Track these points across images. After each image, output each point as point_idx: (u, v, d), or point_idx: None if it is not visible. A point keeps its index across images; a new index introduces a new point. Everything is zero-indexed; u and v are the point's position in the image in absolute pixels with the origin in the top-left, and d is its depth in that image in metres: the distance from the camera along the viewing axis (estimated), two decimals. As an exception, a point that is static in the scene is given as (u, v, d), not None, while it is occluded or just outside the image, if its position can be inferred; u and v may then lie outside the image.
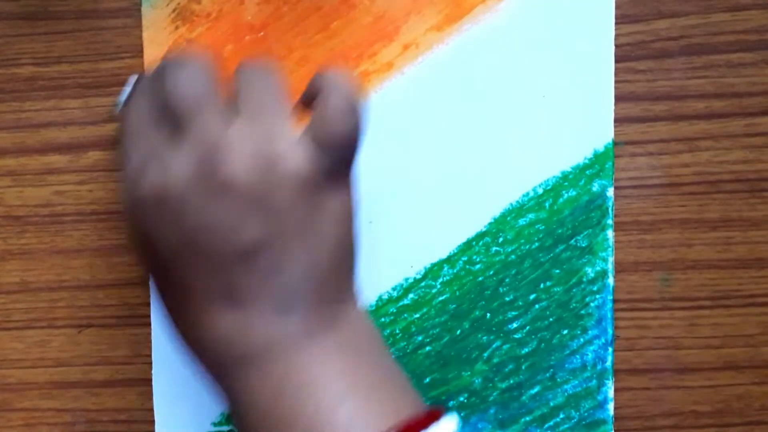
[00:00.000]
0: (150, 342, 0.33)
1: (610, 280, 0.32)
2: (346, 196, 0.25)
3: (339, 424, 0.23)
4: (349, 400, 0.24)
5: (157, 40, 0.33)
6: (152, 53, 0.33)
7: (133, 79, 0.27)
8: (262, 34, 0.32)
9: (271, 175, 0.23)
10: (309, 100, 0.25)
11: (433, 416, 0.24)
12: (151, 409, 0.33)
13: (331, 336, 0.25)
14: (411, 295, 0.32)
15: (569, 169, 0.32)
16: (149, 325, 0.33)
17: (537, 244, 0.32)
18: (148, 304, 0.33)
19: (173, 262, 0.24)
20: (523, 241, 0.32)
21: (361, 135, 0.25)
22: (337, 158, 0.24)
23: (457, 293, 0.32)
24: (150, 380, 0.33)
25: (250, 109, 0.24)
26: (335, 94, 0.24)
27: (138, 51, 0.33)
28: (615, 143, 0.32)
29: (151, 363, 0.33)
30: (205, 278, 0.24)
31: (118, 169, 0.25)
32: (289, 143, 0.24)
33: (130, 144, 0.25)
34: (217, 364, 0.25)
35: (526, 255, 0.32)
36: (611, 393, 0.31)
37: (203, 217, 0.23)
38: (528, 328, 0.32)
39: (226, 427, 0.33)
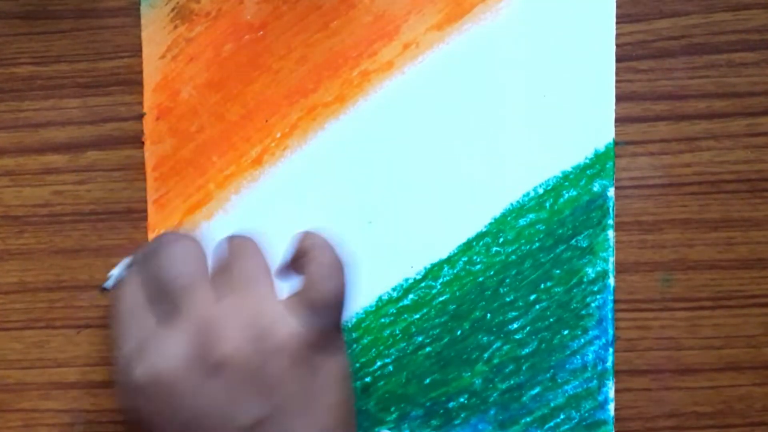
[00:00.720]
0: (149, 342, 0.33)
1: (611, 281, 0.31)
2: (340, 356, 0.26)
3: None
4: None
5: (156, 39, 0.32)
6: (151, 52, 0.33)
7: (125, 261, 0.28)
8: (261, 33, 0.32)
9: (264, 347, 0.24)
10: (292, 262, 0.26)
11: None
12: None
13: None
14: (411, 296, 0.32)
15: (570, 169, 0.31)
16: (148, 325, 0.33)
17: (537, 244, 0.32)
18: (147, 305, 0.33)
19: None
20: (523, 241, 0.32)
21: (348, 293, 0.26)
22: (329, 318, 0.25)
23: (458, 294, 0.32)
24: (149, 381, 0.33)
25: (239, 283, 0.25)
26: (321, 254, 0.25)
27: (137, 50, 0.33)
28: (616, 143, 0.31)
29: (150, 363, 0.33)
30: None
31: (110, 352, 0.26)
32: (279, 313, 0.24)
33: (123, 328, 0.25)
34: None
35: (527, 255, 0.32)
36: (612, 393, 0.31)
37: (199, 401, 0.23)
38: (528, 328, 0.32)
39: (225, 428, 0.33)
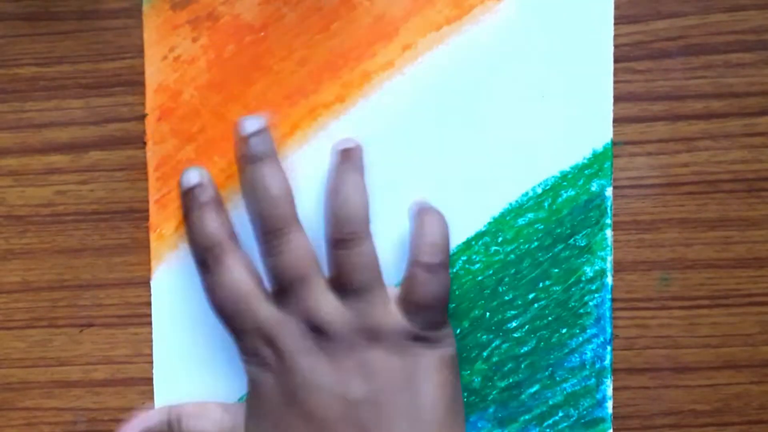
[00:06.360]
0: (151, 341, 0.33)
1: (609, 280, 0.32)
2: (442, 348, 0.27)
3: None
4: None
5: (157, 41, 0.33)
6: (153, 54, 0.33)
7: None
8: (262, 34, 0.32)
9: (369, 335, 0.25)
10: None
11: None
12: (152, 409, 0.33)
13: None
14: (411, 295, 0.32)
15: (568, 169, 0.32)
16: (150, 324, 0.33)
17: (536, 243, 0.32)
18: (149, 304, 0.33)
19: (278, 423, 0.26)
20: (522, 240, 0.32)
21: (447, 292, 0.28)
22: (431, 316, 0.27)
23: (457, 292, 0.32)
24: (151, 379, 0.33)
25: (352, 284, 0.26)
26: (425, 251, 0.27)
27: (139, 51, 0.33)
28: (614, 143, 0.32)
29: (152, 362, 0.33)
30: None
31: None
32: (386, 310, 0.26)
33: (238, 316, 0.27)
34: None
35: (525, 254, 0.32)
36: (610, 391, 0.31)
37: (311, 377, 0.25)
38: (527, 327, 0.32)
39: (226, 426, 0.33)
